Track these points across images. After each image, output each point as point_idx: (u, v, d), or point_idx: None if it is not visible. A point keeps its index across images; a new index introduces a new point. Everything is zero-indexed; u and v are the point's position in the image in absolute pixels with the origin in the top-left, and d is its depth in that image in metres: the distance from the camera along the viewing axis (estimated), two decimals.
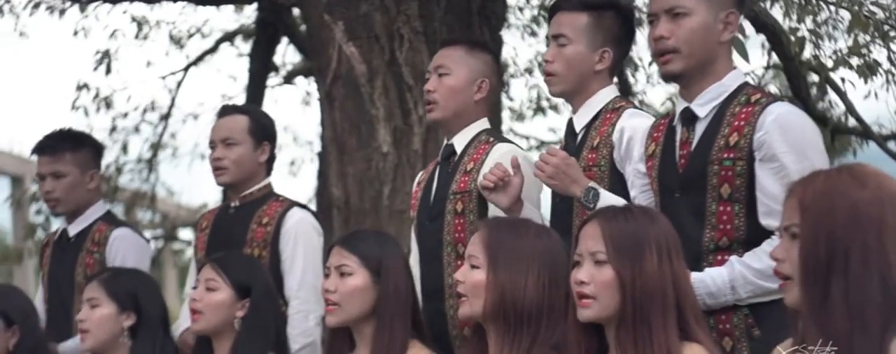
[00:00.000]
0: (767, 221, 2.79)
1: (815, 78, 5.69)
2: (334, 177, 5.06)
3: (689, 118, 2.97)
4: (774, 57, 5.39)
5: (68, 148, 4.19)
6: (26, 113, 29.79)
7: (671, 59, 2.94)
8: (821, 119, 5.60)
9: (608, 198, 3.02)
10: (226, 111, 4.08)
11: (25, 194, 10.44)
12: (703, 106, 2.94)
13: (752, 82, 3.04)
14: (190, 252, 12.23)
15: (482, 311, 2.72)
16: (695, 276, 2.70)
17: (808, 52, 5.15)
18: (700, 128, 2.94)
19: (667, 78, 3.08)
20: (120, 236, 4.13)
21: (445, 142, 3.63)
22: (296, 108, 19.94)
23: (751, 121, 2.84)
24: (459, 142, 3.56)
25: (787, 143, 2.80)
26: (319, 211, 5.96)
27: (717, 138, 2.88)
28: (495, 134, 3.65)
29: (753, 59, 4.30)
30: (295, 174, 11.02)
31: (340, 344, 3.18)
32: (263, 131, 4.01)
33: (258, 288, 3.35)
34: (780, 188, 2.69)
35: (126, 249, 4.09)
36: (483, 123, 3.59)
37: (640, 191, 3.13)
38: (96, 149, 4.35)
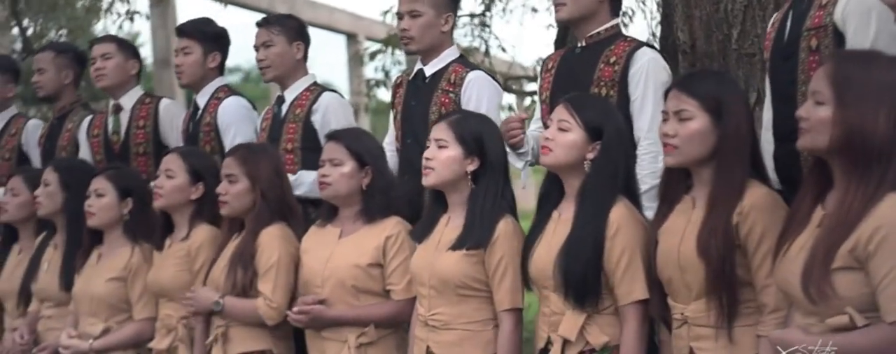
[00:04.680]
0: None
1: None
2: (680, 20, 4.92)
3: None
4: None
5: None
6: None
7: None
8: None
9: None
10: None
11: (361, 51, 10.83)
12: None
13: None
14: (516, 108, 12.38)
15: (826, 146, 2.59)
16: None
17: None
18: None
19: None
20: (476, 78, 4.22)
21: None
22: None
23: None
24: None
25: None
26: (663, 57, 5.83)
27: None
28: None
29: None
30: (626, 25, 10.88)
31: (676, 185, 3.14)
32: None
33: (610, 130, 3.30)
34: None
35: (481, 90, 4.18)
36: None
37: None
38: None
